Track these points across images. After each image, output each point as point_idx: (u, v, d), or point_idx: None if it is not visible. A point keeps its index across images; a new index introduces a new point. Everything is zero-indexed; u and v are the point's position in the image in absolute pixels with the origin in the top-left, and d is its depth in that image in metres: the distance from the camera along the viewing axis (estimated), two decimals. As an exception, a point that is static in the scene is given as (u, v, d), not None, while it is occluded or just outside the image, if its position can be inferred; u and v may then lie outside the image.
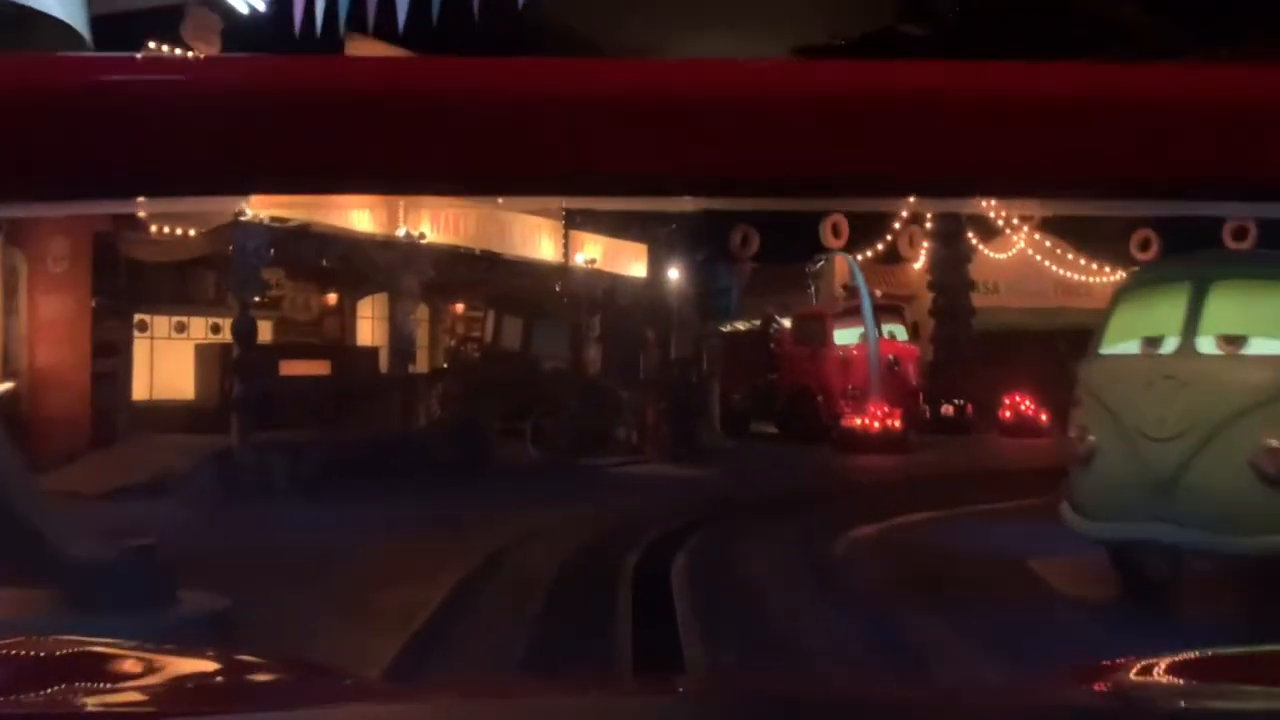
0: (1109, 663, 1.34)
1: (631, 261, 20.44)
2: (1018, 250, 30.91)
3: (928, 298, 28.09)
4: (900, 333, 23.16)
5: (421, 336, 18.98)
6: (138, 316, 15.50)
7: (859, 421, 20.77)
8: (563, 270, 18.48)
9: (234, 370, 14.12)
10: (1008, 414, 25.97)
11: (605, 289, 19.20)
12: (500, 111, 0.64)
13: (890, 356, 21.82)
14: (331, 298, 17.79)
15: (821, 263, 26.29)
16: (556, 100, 0.64)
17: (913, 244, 29.70)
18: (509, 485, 14.60)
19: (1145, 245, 31.42)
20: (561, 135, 0.64)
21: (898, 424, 20.80)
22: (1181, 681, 1.33)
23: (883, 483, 16.27)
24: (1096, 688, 1.30)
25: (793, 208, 0.81)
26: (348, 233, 15.40)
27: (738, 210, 27.07)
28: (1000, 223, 29.89)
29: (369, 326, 18.34)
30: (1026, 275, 30.61)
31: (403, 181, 0.69)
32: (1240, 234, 29.88)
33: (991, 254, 30.21)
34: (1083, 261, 31.09)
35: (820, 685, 1.74)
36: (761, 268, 27.18)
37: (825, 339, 22.57)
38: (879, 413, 20.67)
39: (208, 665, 1.40)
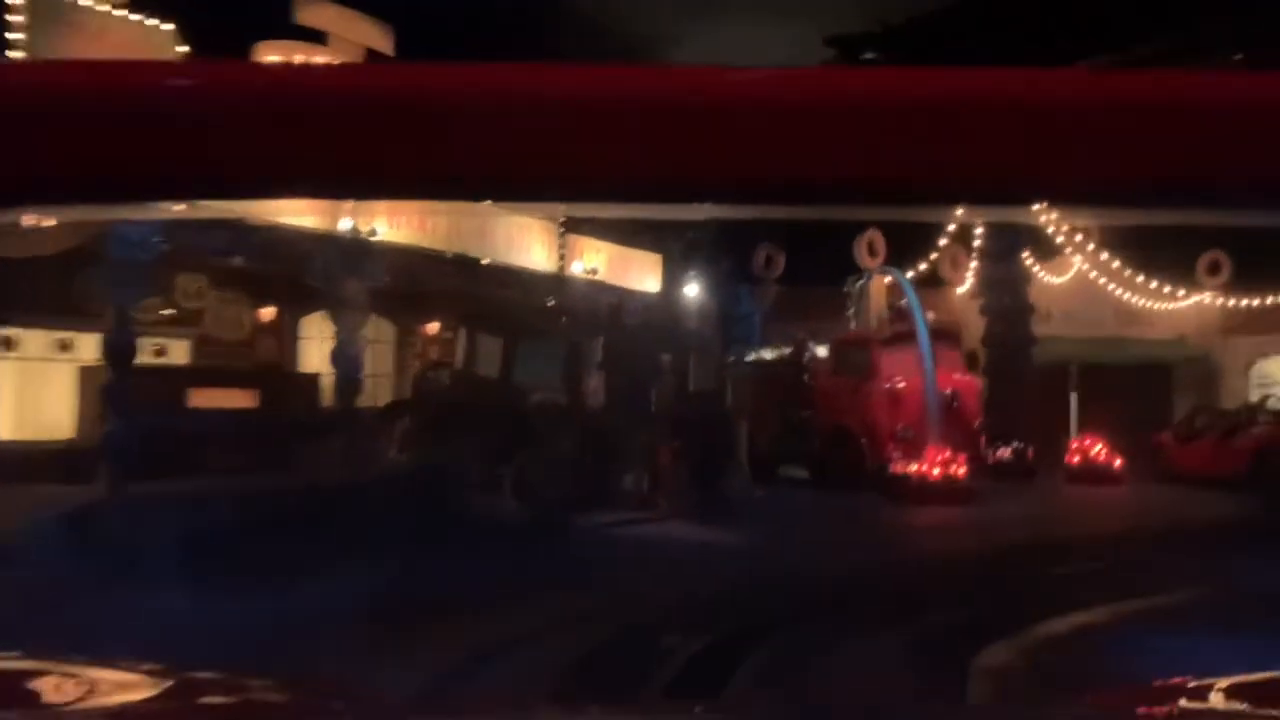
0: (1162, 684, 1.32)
1: (642, 274, 16.76)
2: (1075, 273, 27.13)
3: (977, 325, 24.29)
4: (955, 361, 19.39)
5: (379, 361, 15.29)
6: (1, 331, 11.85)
7: (914, 468, 16.99)
8: (557, 281, 14.80)
9: (109, 400, 10.40)
10: (1076, 459, 22.12)
11: (610, 305, 15.44)
12: (511, 114, 0.63)
13: (948, 391, 18.02)
14: (267, 312, 14.11)
15: (863, 281, 22.55)
16: (572, 103, 0.63)
17: (956, 265, 25.95)
18: (482, 553, 10.87)
19: (1215, 269, 27.72)
20: (572, 137, 0.63)
21: (961, 471, 17.01)
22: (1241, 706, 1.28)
23: (969, 554, 12.36)
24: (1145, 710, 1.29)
25: (822, 216, 0.69)
26: (284, 228, 11.76)
27: (761, 227, 23.59)
28: (1059, 239, 26.17)
29: (315, 349, 14.62)
30: (1083, 302, 26.77)
31: (411, 187, 0.68)
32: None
33: (1046, 277, 26.43)
34: (1149, 284, 27.36)
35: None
36: (788, 291, 23.57)
37: (872, 370, 18.81)
38: (939, 458, 16.89)
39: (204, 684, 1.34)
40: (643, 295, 16.11)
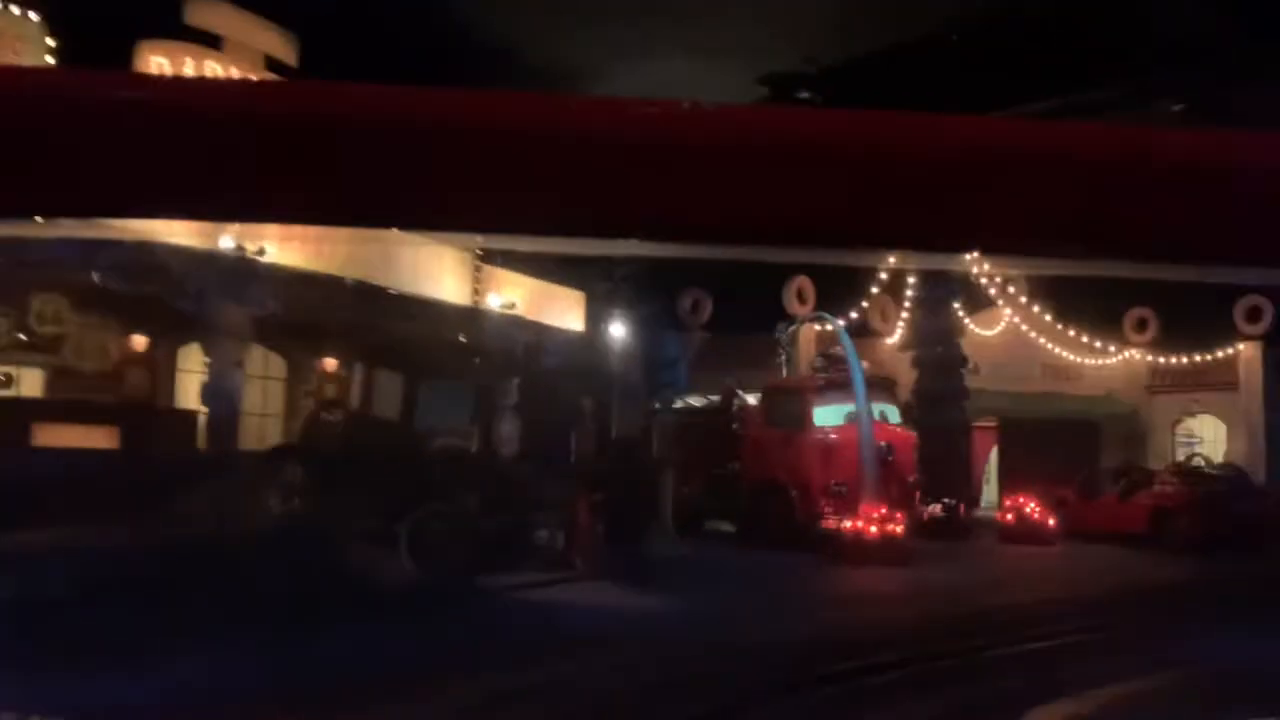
0: None
1: (564, 310, 15.42)
2: (1004, 326, 26.59)
3: (907, 377, 23.42)
4: (892, 414, 18.34)
5: (270, 399, 13.67)
6: None
7: (849, 525, 15.83)
8: (470, 315, 13.40)
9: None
10: (1009, 516, 21.27)
11: (527, 343, 14.08)
12: (418, 138, 0.60)
13: (883, 444, 16.95)
14: (138, 340, 12.43)
15: (794, 328, 21.52)
16: (488, 129, 0.61)
17: (885, 315, 25.20)
18: (370, 626, 9.35)
19: (1142, 325, 27.44)
20: (487, 164, 0.60)
21: (899, 529, 15.92)
22: None
23: (919, 623, 11.16)
24: None
25: (751, 257, 0.70)
26: (159, 245, 10.19)
27: (688, 270, 22.51)
28: (990, 290, 25.56)
29: (195, 383, 12.92)
30: (1013, 355, 26.21)
31: (302, 211, 0.65)
32: (1254, 315, 26.05)
33: (975, 329, 25.77)
34: (1078, 338, 26.89)
35: None
36: (715, 338, 22.46)
37: (804, 420, 17.67)
38: (876, 515, 15.77)
39: None
40: (563, 334, 14.76)
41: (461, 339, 12.89)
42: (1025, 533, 20.62)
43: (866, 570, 14.76)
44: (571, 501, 13.02)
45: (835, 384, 17.60)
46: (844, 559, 15.25)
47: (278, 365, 13.78)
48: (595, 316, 15.55)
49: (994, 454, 27.06)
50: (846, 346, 17.08)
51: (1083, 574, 15.50)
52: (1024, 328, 26.04)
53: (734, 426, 19.20)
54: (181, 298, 10.33)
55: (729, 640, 9.80)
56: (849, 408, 17.29)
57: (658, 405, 18.10)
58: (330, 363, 13.22)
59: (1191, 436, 27.44)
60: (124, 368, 12.37)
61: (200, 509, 10.45)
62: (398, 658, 8.38)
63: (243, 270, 10.78)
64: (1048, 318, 25.84)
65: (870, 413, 16.56)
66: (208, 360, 10.94)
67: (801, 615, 11.10)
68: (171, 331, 12.26)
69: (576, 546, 12.87)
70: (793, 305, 23.32)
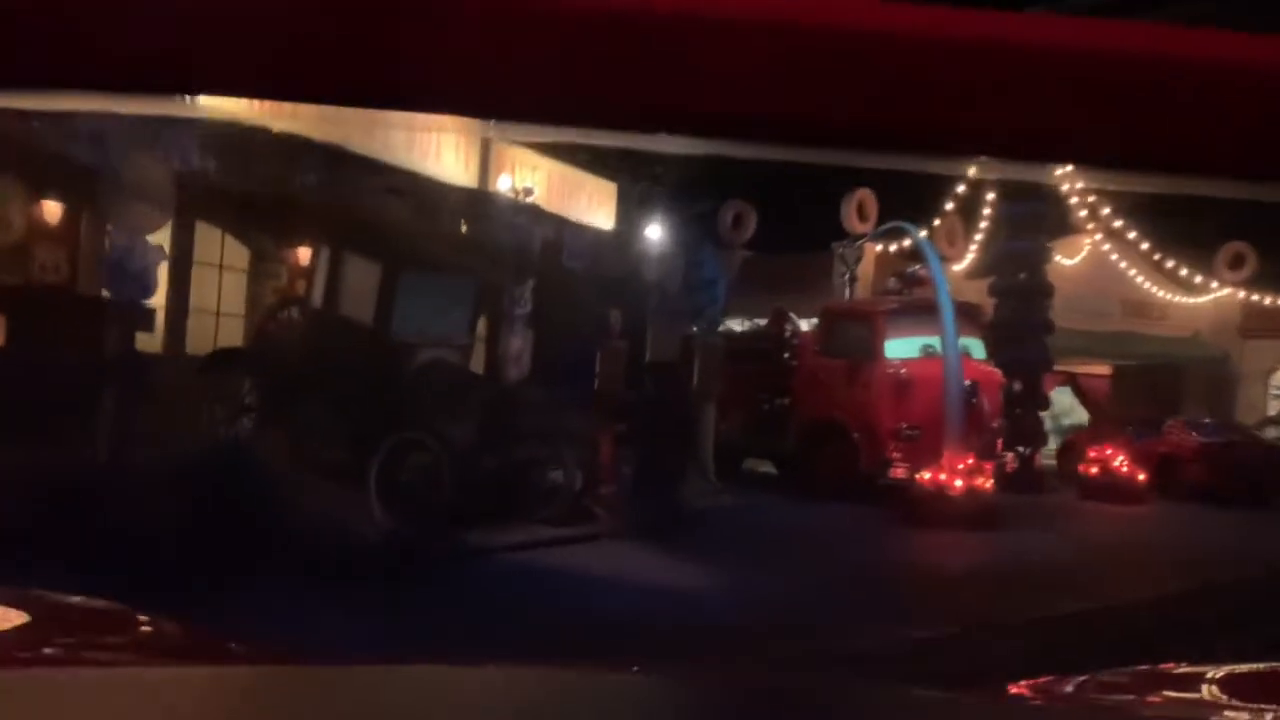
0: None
1: (593, 204, 12.49)
2: (1089, 252, 23.36)
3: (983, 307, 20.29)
4: (976, 348, 15.32)
5: (227, 294, 10.88)
6: None
7: (927, 477, 13.01)
8: (475, 199, 10.52)
9: None
10: (1094, 470, 18.37)
11: (546, 239, 11.15)
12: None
13: (969, 383, 14.00)
14: (51, 208, 9.61)
15: (859, 243, 18.47)
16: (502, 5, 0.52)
17: (953, 239, 22.02)
18: (320, 596, 6.66)
19: (1238, 262, 24.16)
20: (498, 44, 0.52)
21: (988, 484, 13.09)
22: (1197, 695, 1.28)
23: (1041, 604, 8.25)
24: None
25: (809, 159, 0.59)
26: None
27: (728, 184, 19.44)
28: (1082, 211, 22.30)
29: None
30: (1092, 289, 22.94)
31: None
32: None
33: (1056, 257, 22.55)
34: (1169, 271, 23.66)
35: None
36: (758, 258, 19.46)
37: (873, 350, 14.75)
38: (961, 466, 12.93)
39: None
40: (591, 231, 11.78)
41: (462, 227, 9.96)
42: (1111, 489, 17.77)
43: (950, 533, 11.98)
44: (593, 437, 10.23)
45: (913, 309, 14.64)
46: (919, 517, 12.46)
47: (239, 253, 10.96)
48: (630, 215, 12.58)
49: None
50: (932, 265, 14.03)
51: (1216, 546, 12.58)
52: (1113, 256, 22.80)
53: (785, 356, 16.31)
54: (76, 143, 7.47)
55: (770, 615, 7.07)
56: (926, 339, 14.33)
57: (697, 328, 15.19)
58: (301, 251, 10.31)
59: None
60: (35, 243, 9.60)
61: (101, 428, 7.75)
62: (334, 640, 5.66)
63: (167, 122, 7.88)
64: (1144, 245, 22.55)
65: (956, 344, 13.60)
66: (110, 230, 8.12)
67: (900, 600, 8.31)
68: (91, 196, 9.39)
69: (598, 494, 10.14)
70: (852, 222, 20.27)
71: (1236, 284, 24.06)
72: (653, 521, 9.88)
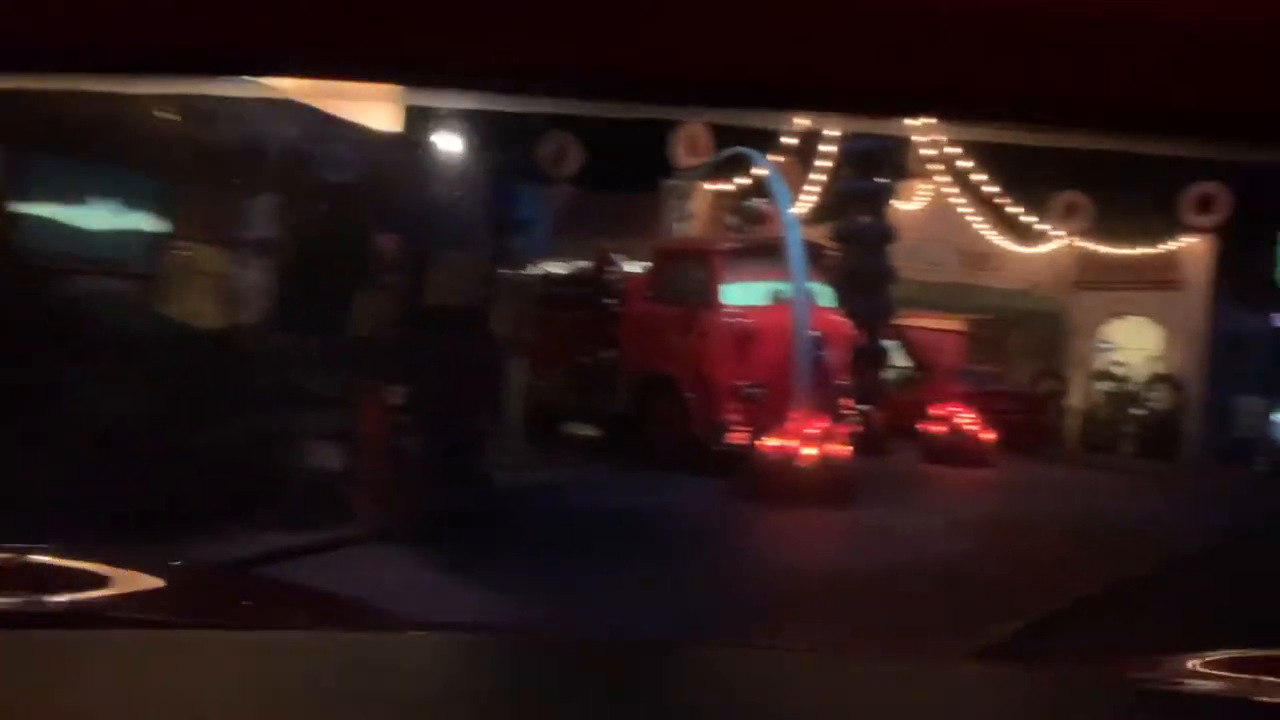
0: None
1: (368, 101, 9.76)
2: (925, 200, 21.98)
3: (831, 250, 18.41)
4: (824, 295, 13.38)
5: None
6: None
7: (775, 444, 10.95)
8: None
9: None
10: (939, 429, 16.98)
11: (293, 140, 8.30)
12: None
13: (816, 334, 12.00)
14: None
15: (697, 174, 16.21)
16: None
17: (792, 181, 20.10)
18: None
19: (1072, 211, 23.30)
20: None
21: (843, 450, 11.14)
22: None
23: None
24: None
25: (629, 114, 0.57)
26: None
27: (553, 112, 16.93)
28: (927, 152, 20.78)
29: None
30: (928, 238, 21.60)
31: None
32: (1205, 205, 22.15)
33: (893, 202, 21.00)
34: (1009, 221, 22.56)
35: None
36: (584, 195, 17.05)
37: (708, 295, 12.57)
38: (813, 430, 10.93)
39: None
40: (362, 133, 8.95)
41: (165, 113, 7.03)
42: (958, 450, 16.41)
43: (805, 511, 9.95)
44: (355, 402, 7.60)
45: (756, 249, 12.52)
46: (765, 491, 10.40)
47: None
48: (419, 116, 9.81)
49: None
50: (779, 198, 11.88)
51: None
52: (954, 202, 21.47)
53: (609, 301, 13.97)
54: None
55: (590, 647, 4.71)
56: (770, 284, 12.26)
57: (506, 270, 12.66)
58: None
59: (1108, 342, 23.78)
60: None
61: None
62: None
63: None
64: (986, 191, 21.26)
65: (806, 291, 11.55)
66: None
67: (751, 615, 6.11)
68: None
69: (362, 480, 7.53)
70: (682, 156, 18.05)
71: (1070, 234, 23.24)
72: (435, 516, 7.39)
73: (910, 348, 22.79)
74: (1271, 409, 21.80)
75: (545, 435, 12.78)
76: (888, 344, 19.40)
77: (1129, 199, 21.12)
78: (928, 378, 20.88)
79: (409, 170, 9.76)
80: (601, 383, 13.44)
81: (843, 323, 13.22)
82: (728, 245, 13.27)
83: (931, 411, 17.16)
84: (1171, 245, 22.43)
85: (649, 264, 13.62)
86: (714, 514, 9.90)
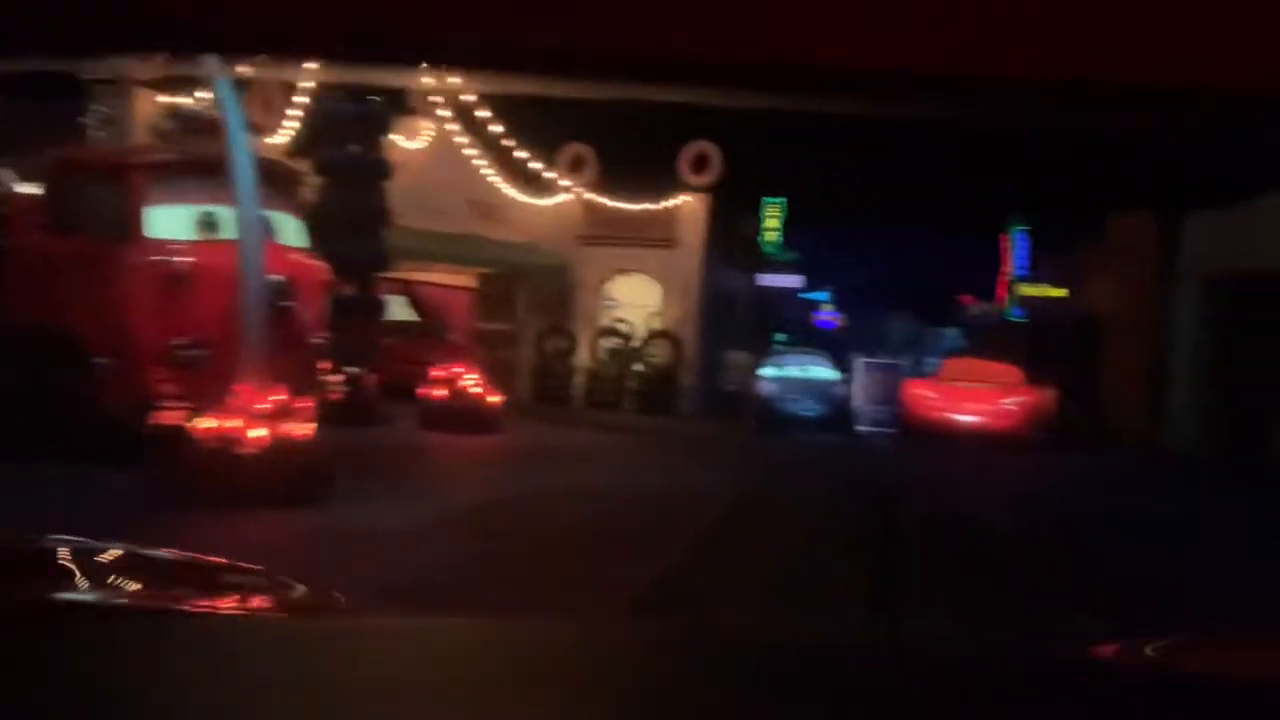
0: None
1: None
2: (429, 139, 19.84)
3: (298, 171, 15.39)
4: (291, 229, 10.59)
5: None
6: None
7: (213, 426, 8.13)
8: None
9: None
10: (439, 392, 15.03)
11: None
12: None
13: (278, 279, 9.25)
14: None
15: (120, 71, 12.44)
16: None
17: (270, 106, 16.92)
18: None
19: (577, 164, 22.48)
20: None
21: (307, 431, 8.58)
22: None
23: None
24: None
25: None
26: None
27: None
28: (417, 92, 18.47)
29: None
30: (432, 181, 19.52)
31: None
32: (701, 164, 22.32)
33: (393, 138, 18.56)
34: (521, 169, 21.05)
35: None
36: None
37: (127, 224, 9.26)
38: (264, 405, 8.24)
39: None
40: None
41: None
42: (462, 415, 14.61)
43: (248, 519, 7.29)
44: None
45: (194, 165, 9.44)
46: (201, 491, 7.61)
47: None
48: None
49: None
50: (226, 103, 8.90)
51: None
52: (463, 143, 19.51)
53: (-10, 231, 10.06)
54: None
55: None
56: (215, 209, 9.31)
57: None
58: None
59: (613, 299, 23.48)
60: None
61: None
62: None
63: None
64: (496, 135, 19.52)
65: (260, 221, 8.76)
66: None
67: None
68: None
69: None
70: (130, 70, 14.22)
71: (577, 187, 22.44)
72: None
73: (417, 304, 20.71)
74: (756, 363, 22.69)
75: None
76: (388, 298, 17.09)
77: (634, 154, 20.67)
78: (436, 336, 18.98)
79: None
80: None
81: (316, 266, 10.60)
82: (154, 158, 10.00)
83: (432, 374, 15.14)
84: (670, 203, 22.43)
85: (47, 180, 9.93)
86: (123, 522, 6.90)
